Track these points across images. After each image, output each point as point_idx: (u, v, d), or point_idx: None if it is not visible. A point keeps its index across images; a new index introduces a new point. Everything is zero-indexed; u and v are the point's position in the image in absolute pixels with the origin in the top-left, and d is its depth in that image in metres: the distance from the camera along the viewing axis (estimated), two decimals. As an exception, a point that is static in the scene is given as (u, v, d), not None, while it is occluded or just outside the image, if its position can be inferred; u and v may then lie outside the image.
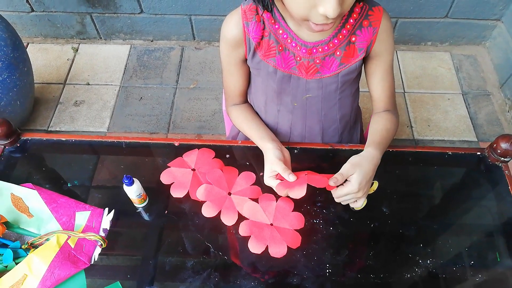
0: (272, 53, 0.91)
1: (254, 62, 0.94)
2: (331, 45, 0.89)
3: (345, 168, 0.84)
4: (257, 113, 1.08)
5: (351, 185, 0.82)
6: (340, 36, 0.88)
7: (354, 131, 1.16)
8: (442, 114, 1.96)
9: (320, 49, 0.89)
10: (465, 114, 1.97)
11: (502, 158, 0.96)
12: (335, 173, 0.84)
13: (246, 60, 0.97)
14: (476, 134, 1.90)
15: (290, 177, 0.84)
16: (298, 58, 0.91)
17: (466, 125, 1.93)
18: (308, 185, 0.83)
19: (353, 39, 0.89)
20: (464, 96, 2.03)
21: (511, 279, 0.84)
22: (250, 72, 1.01)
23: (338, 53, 0.90)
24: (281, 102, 1.00)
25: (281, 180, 0.87)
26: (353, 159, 0.85)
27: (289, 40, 0.89)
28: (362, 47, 0.90)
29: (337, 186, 0.84)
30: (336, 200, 0.87)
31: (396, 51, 2.20)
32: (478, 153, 1.01)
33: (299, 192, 0.83)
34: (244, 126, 1.03)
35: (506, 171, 0.97)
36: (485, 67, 2.13)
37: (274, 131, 1.05)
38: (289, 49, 0.90)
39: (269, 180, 0.89)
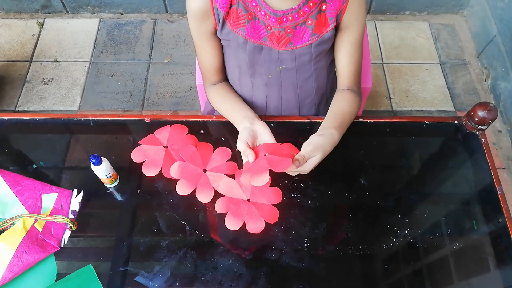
0: (241, 23, 0.86)
1: (224, 34, 0.90)
2: (301, 13, 0.85)
3: (307, 150, 0.82)
4: (234, 90, 1.03)
5: (308, 166, 0.82)
6: (311, 4, 0.84)
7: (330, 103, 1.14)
8: (420, 85, 1.96)
9: (290, 18, 0.85)
10: (443, 84, 1.96)
11: (479, 126, 0.96)
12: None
13: (215, 32, 0.92)
14: (453, 104, 1.91)
15: (249, 157, 0.81)
16: (268, 28, 0.86)
17: (444, 95, 1.93)
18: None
19: (324, 7, 0.85)
20: (442, 66, 2.02)
21: (488, 246, 0.85)
22: (221, 47, 0.96)
23: (309, 22, 0.86)
24: (255, 75, 0.96)
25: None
26: (315, 140, 0.84)
27: (258, 8, 0.85)
28: (332, 16, 0.86)
29: None
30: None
31: (375, 21, 2.17)
32: (456, 122, 1.00)
33: (261, 180, 0.78)
34: (221, 108, 0.99)
35: (483, 139, 0.97)
36: (463, 36, 2.13)
37: (250, 105, 1.01)
38: (259, 18, 0.86)
39: (242, 156, 0.86)
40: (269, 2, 0.84)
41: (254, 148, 0.84)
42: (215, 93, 1.01)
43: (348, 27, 0.90)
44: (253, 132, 0.87)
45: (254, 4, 0.84)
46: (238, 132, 0.91)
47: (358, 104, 0.97)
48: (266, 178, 0.78)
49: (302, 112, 1.05)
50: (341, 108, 0.94)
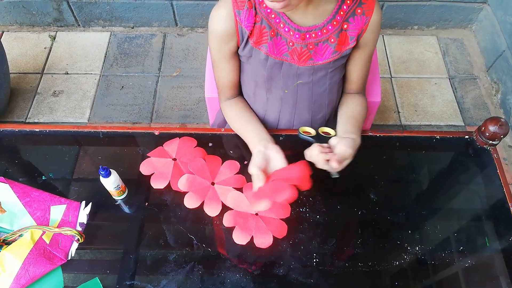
0: (264, 39, 0.87)
1: (246, 51, 0.90)
2: (324, 31, 0.86)
3: (342, 150, 0.82)
4: (249, 106, 1.03)
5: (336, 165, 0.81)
6: (334, 22, 0.86)
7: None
8: (429, 99, 1.95)
9: (313, 35, 0.86)
10: (452, 98, 1.95)
11: (491, 141, 0.95)
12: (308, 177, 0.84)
13: (237, 50, 0.92)
14: (463, 118, 1.89)
15: (259, 182, 0.82)
16: (290, 44, 0.87)
17: (453, 110, 1.91)
18: None
19: (345, 26, 0.87)
20: (450, 80, 2.01)
21: (500, 263, 0.83)
22: (239, 64, 0.97)
23: (332, 40, 0.87)
24: (271, 89, 0.97)
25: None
26: (350, 144, 0.83)
27: (281, 25, 0.86)
28: (353, 35, 0.88)
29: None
30: (308, 156, 0.84)
31: (383, 35, 2.17)
32: (466, 136, 0.99)
33: (262, 207, 0.84)
34: (236, 126, 0.99)
35: (495, 154, 0.95)
36: (472, 50, 2.12)
37: (262, 119, 1.02)
38: (282, 34, 0.87)
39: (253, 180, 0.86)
40: (293, 19, 0.85)
41: (266, 174, 0.84)
42: (230, 109, 1.00)
43: (365, 45, 0.92)
44: (266, 157, 0.86)
45: (277, 21, 0.85)
46: (246, 145, 0.91)
47: (366, 106, 1.01)
48: (266, 206, 0.83)
49: (314, 126, 1.05)
50: (355, 112, 0.96)
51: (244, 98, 1.04)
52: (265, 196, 0.82)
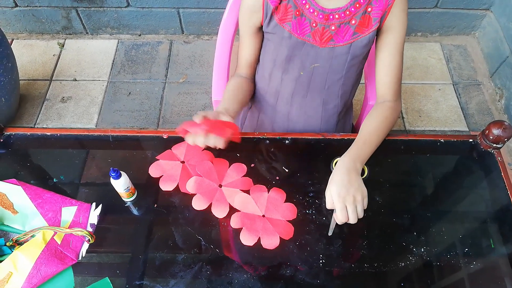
0: (289, 17, 0.91)
1: (270, 27, 0.95)
2: (347, 12, 0.89)
3: (328, 201, 0.83)
4: (245, 88, 1.06)
5: (333, 204, 0.81)
6: (357, 5, 0.89)
7: (348, 116, 1.16)
8: (433, 105, 1.96)
9: (336, 16, 0.90)
10: (456, 104, 1.96)
11: (494, 145, 0.96)
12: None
13: (261, 27, 0.97)
14: (467, 124, 1.90)
15: (197, 118, 0.82)
16: (313, 25, 0.91)
17: (457, 115, 1.92)
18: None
19: (369, 9, 0.90)
20: (454, 86, 2.03)
21: (506, 265, 0.83)
22: (261, 44, 1.03)
23: (353, 21, 0.90)
24: (288, 70, 1.01)
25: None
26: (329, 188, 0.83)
27: (307, 6, 0.90)
28: (376, 16, 0.90)
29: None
30: (353, 222, 0.82)
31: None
32: (470, 140, 1.00)
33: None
34: (224, 93, 1.03)
35: (499, 158, 0.96)
36: (475, 57, 2.14)
37: (275, 100, 1.07)
38: (306, 15, 0.90)
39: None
40: (318, 0, 0.89)
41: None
42: (231, 81, 1.06)
43: (390, 30, 0.92)
44: (215, 115, 0.87)
45: (304, 1, 0.89)
46: (252, 148, 0.94)
47: (394, 115, 0.97)
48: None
49: (324, 117, 1.08)
50: (370, 131, 0.93)
51: (251, 82, 1.10)
52: (204, 127, 0.82)
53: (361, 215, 0.81)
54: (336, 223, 0.83)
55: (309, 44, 0.94)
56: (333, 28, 0.91)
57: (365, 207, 0.82)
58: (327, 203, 0.83)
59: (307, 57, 0.96)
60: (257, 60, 1.07)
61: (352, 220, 0.80)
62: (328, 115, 1.08)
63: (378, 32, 0.94)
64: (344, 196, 0.80)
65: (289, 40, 0.94)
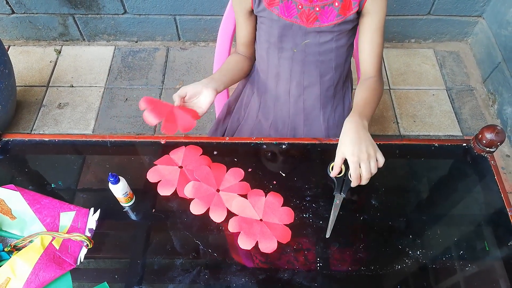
0: (276, 2, 0.98)
1: (260, 10, 1.02)
2: None
3: (337, 160, 0.88)
4: (240, 63, 1.15)
5: (351, 163, 0.85)
6: None
7: (346, 91, 1.21)
8: (427, 110, 1.99)
9: None
10: (449, 109, 1.99)
11: (488, 149, 0.97)
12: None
13: (252, 11, 1.04)
14: (460, 128, 1.92)
15: (175, 99, 0.96)
16: (299, 7, 0.97)
17: (451, 120, 1.95)
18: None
19: None
20: (448, 91, 2.06)
21: (500, 268, 0.85)
22: (256, 25, 1.10)
23: (336, 4, 0.96)
24: (282, 49, 1.07)
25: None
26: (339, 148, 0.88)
27: None
28: (355, 0, 0.95)
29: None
30: (365, 182, 0.86)
31: (381, 48, 2.22)
32: (464, 144, 1.02)
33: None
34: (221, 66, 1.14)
35: (492, 161, 0.98)
36: (468, 63, 2.17)
37: (276, 79, 1.13)
38: None
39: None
40: None
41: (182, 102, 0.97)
42: (230, 56, 1.17)
43: (369, 13, 0.99)
44: (199, 90, 0.98)
45: None
46: (249, 153, 0.95)
47: (381, 88, 1.05)
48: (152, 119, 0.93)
49: (322, 87, 1.13)
50: (365, 98, 0.99)
51: (249, 61, 1.18)
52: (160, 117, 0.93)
53: (374, 170, 0.85)
54: (350, 186, 0.87)
55: (297, 25, 1.00)
56: (317, 9, 0.97)
57: (382, 163, 0.86)
58: (335, 166, 0.87)
59: (297, 36, 1.03)
60: (254, 39, 1.14)
61: (365, 178, 0.84)
62: (325, 87, 1.14)
63: (359, 15, 1.01)
64: (358, 154, 0.84)
65: (279, 22, 1.01)
